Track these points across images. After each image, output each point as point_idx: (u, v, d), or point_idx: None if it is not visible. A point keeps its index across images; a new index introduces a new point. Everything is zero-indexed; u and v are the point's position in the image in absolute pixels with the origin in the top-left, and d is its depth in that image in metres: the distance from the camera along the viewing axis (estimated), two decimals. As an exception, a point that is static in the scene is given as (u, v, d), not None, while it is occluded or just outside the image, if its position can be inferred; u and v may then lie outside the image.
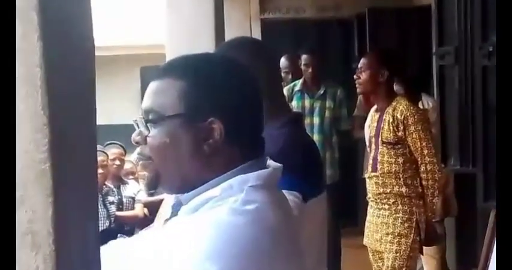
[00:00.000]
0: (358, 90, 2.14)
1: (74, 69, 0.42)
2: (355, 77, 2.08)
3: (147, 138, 0.61)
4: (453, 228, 2.87)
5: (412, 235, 1.94)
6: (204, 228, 0.53)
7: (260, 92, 0.67)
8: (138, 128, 0.62)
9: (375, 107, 2.17)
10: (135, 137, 0.63)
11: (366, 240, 2.08)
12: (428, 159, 1.92)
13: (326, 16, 4.16)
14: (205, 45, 2.08)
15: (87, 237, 0.40)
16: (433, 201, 1.97)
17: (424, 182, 1.95)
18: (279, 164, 0.64)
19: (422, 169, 1.94)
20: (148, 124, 0.61)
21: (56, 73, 0.37)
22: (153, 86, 0.62)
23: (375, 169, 2.02)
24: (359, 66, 2.05)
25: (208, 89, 0.61)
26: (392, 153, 1.97)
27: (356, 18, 3.76)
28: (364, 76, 2.01)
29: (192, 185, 0.61)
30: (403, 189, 1.94)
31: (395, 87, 2.12)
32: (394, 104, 1.98)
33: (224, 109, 0.60)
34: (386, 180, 1.97)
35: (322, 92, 3.08)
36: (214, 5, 2.20)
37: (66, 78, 0.39)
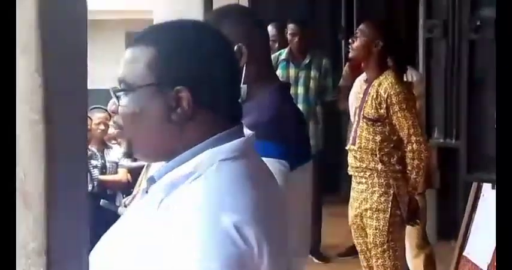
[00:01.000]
0: (350, 55, 2.11)
1: (67, 32, 0.42)
2: (349, 41, 2.05)
3: (119, 108, 0.60)
4: (434, 200, 2.96)
5: (389, 209, 1.92)
6: (195, 201, 0.54)
7: (236, 58, 0.67)
8: (115, 97, 0.61)
9: (364, 76, 2.15)
10: (110, 106, 0.67)
11: (349, 220, 2.08)
12: (415, 139, 1.90)
13: None
14: (194, 11, 2.05)
15: (77, 199, 0.41)
16: (417, 180, 1.96)
17: (409, 161, 1.93)
18: (251, 132, 0.64)
19: (408, 148, 1.92)
20: (119, 93, 0.60)
21: (50, 35, 0.38)
22: (126, 54, 0.61)
23: (353, 142, 2.01)
24: (355, 31, 2.03)
25: (177, 57, 0.60)
26: (371, 129, 1.95)
27: None
28: (358, 43, 1.97)
29: (165, 155, 0.61)
30: (379, 166, 1.93)
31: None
32: (381, 78, 1.95)
33: (193, 77, 0.59)
34: (363, 155, 1.96)
35: (307, 61, 3.07)
36: None
37: (59, 40, 0.40)
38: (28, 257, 0.36)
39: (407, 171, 1.95)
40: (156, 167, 0.69)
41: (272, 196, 0.64)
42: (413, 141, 1.91)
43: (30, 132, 0.37)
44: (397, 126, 1.93)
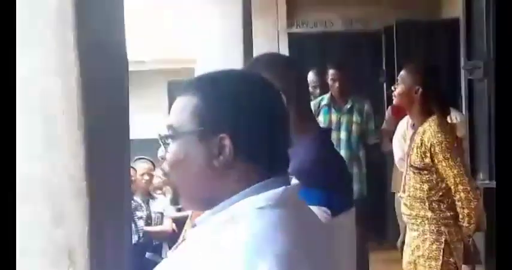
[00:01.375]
0: (394, 102, 2.13)
1: (108, 88, 0.45)
2: (392, 88, 2.06)
3: (166, 154, 0.62)
4: (483, 243, 2.78)
5: (441, 257, 1.86)
6: (235, 243, 0.55)
7: (284, 107, 0.67)
8: (163, 144, 0.64)
9: (410, 121, 2.14)
10: (160, 152, 0.69)
11: (403, 267, 2.03)
12: (462, 187, 1.85)
13: (354, 29, 4.18)
14: (234, 59, 2.18)
15: (122, 253, 0.42)
16: (470, 228, 1.89)
17: (459, 209, 1.88)
18: (297, 181, 0.64)
19: (457, 197, 1.87)
20: (167, 140, 0.62)
21: (92, 91, 0.40)
22: (176, 102, 0.64)
23: (404, 190, 1.99)
24: (397, 78, 2.04)
25: (220, 105, 0.61)
26: (418, 178, 1.92)
27: (384, 32, 3.78)
28: (399, 89, 1.98)
29: (207, 202, 0.61)
30: (429, 214, 1.89)
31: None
32: (425, 125, 1.92)
33: (236, 125, 0.59)
34: (413, 203, 1.93)
35: (349, 106, 3.10)
36: (243, 20, 2.27)
37: (102, 96, 0.41)
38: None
39: (460, 220, 1.89)
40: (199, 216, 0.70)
41: (314, 243, 0.63)
42: (460, 190, 1.86)
43: (72, 188, 0.37)
44: (444, 175, 1.89)
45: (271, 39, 3.94)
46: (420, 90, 1.91)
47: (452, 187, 1.88)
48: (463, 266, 2.03)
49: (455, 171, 1.85)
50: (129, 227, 0.52)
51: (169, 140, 0.62)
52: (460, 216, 1.88)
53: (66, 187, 0.37)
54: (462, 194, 1.85)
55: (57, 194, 0.38)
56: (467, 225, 1.88)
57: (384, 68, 3.71)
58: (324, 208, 0.87)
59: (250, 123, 0.60)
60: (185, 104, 0.62)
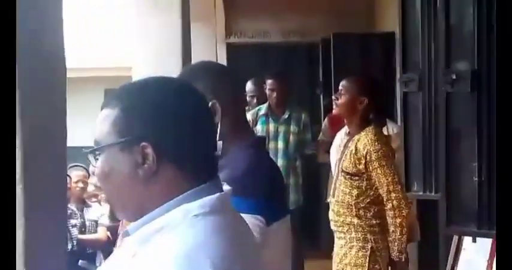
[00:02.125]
0: (334, 111, 2.14)
1: (46, 92, 0.44)
2: (333, 97, 2.07)
3: (95, 169, 0.64)
4: (415, 254, 2.90)
5: (367, 264, 1.90)
6: (168, 252, 0.56)
7: (209, 114, 0.69)
8: (94, 158, 0.65)
9: (346, 129, 2.17)
10: (91, 167, 0.62)
11: None
12: (395, 195, 1.89)
13: (292, 41, 4.25)
14: (172, 68, 2.13)
15: (56, 258, 0.44)
16: (402, 240, 1.92)
17: (390, 219, 1.91)
18: (229, 187, 0.66)
19: (388, 206, 1.90)
20: (93, 155, 0.64)
21: (29, 96, 0.41)
22: (99, 115, 0.64)
23: (333, 195, 2.02)
24: (339, 88, 2.04)
25: (139, 114, 0.62)
26: (348, 183, 1.95)
27: (321, 43, 3.86)
28: (342, 100, 1.99)
29: (138, 212, 0.63)
30: (355, 221, 1.93)
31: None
32: (362, 133, 1.96)
33: (158, 133, 0.61)
34: (340, 209, 1.97)
35: (286, 116, 3.14)
36: (181, 29, 2.26)
37: (38, 101, 0.42)
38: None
39: (391, 232, 1.92)
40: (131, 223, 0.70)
41: (248, 251, 0.66)
42: (393, 198, 1.90)
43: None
44: (377, 183, 1.92)
45: (210, 49, 3.89)
46: (366, 101, 1.95)
47: (384, 195, 1.92)
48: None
49: (389, 179, 1.89)
50: (63, 235, 0.55)
51: (97, 155, 0.63)
52: (392, 227, 1.91)
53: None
54: (395, 202, 1.88)
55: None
56: (399, 236, 1.91)
57: (320, 79, 3.79)
58: (258, 217, 0.89)
59: (170, 131, 0.62)
60: (106, 116, 0.63)
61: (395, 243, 1.91)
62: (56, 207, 0.43)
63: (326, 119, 3.31)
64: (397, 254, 1.92)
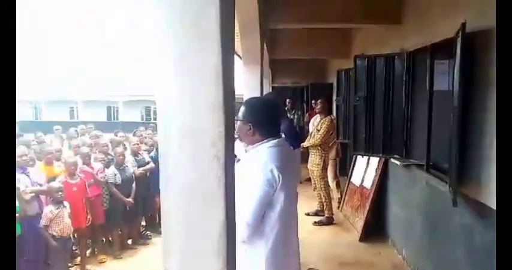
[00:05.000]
0: (316, 109, 6.47)
1: None
2: (313, 104, 6.70)
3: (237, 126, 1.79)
4: (338, 162, 7.28)
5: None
6: (259, 161, 1.70)
7: (278, 112, 1.85)
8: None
9: (318, 117, 6.69)
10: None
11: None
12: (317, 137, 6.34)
13: (295, 85, 9.78)
14: (257, 93, 6.37)
15: None
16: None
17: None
18: (283, 137, 1.86)
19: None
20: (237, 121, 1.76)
21: None
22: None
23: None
24: (317, 102, 6.34)
25: (250, 111, 1.76)
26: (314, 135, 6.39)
27: (306, 87, 9.11)
28: (319, 106, 6.11)
29: (251, 144, 1.79)
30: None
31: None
32: (327, 118, 6.27)
33: (256, 119, 1.75)
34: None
35: (294, 112, 8.15)
36: (260, 77, 6.09)
37: None
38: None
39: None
40: (245, 148, 1.86)
41: (290, 159, 1.80)
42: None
43: None
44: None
45: (267, 89, 8.56)
46: (326, 105, 6.32)
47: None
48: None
49: (320, 132, 6.19)
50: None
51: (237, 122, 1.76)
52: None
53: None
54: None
55: None
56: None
57: (305, 100, 8.79)
58: (291, 147, 2.12)
59: (263, 118, 1.78)
60: (241, 109, 1.77)
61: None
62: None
63: (307, 114, 8.13)
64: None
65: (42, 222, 3.92)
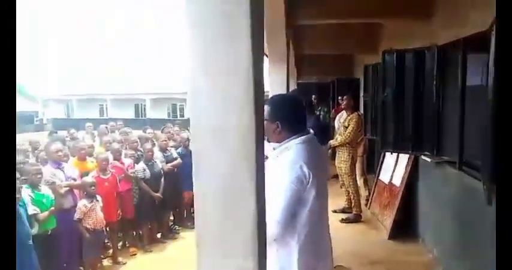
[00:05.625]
0: (342, 105, 6.38)
1: None
2: (339, 101, 6.58)
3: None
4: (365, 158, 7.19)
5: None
6: (288, 158, 1.70)
7: (303, 109, 1.85)
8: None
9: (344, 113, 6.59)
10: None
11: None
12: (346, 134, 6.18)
13: (321, 81, 9.77)
14: (283, 90, 6.36)
15: None
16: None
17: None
18: (312, 133, 1.82)
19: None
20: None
21: None
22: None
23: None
24: (343, 97, 6.24)
25: (275, 109, 1.76)
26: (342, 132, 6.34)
27: (332, 82, 8.86)
28: (345, 101, 6.01)
29: (278, 142, 1.80)
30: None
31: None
32: (354, 114, 6.09)
33: (283, 117, 1.76)
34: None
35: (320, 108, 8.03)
36: (286, 75, 6.22)
37: None
38: None
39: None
40: (273, 146, 1.81)
41: (319, 156, 1.80)
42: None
43: None
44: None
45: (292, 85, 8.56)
46: (353, 101, 6.23)
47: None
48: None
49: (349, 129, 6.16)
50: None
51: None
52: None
53: None
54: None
55: None
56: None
57: (330, 95, 8.63)
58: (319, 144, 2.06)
59: (290, 115, 1.79)
60: (265, 108, 1.71)
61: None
62: None
63: (333, 110, 8.01)
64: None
65: (76, 215, 4.08)
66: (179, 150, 5.96)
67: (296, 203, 1.61)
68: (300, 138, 1.74)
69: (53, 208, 3.78)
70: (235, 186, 1.05)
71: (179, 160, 5.73)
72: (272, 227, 1.54)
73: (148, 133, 6.85)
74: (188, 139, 6.13)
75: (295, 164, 1.62)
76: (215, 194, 1.07)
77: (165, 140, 5.89)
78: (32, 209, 3.59)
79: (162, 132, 7.10)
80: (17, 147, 5.60)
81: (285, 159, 1.67)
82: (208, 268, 1.10)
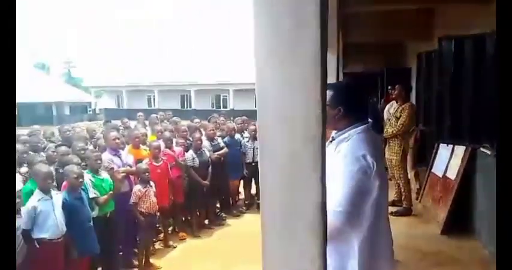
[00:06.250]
0: (393, 95, 6.10)
1: None
2: (390, 90, 6.38)
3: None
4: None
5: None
6: (349, 148, 1.62)
7: (366, 97, 2.21)
8: None
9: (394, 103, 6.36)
10: None
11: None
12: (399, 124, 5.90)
13: (368, 71, 9.38)
14: (333, 80, 6.24)
15: None
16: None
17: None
18: (370, 122, 1.70)
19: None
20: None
21: None
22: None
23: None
24: (394, 87, 5.95)
25: (338, 94, 1.68)
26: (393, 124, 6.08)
27: (380, 72, 8.64)
28: (397, 91, 5.79)
29: (336, 129, 1.72)
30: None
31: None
32: (407, 104, 5.79)
33: (345, 103, 1.67)
34: None
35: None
36: (336, 64, 5.88)
37: None
38: None
39: None
40: (332, 134, 1.76)
41: (378, 145, 2.02)
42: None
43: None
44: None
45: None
46: (404, 91, 5.91)
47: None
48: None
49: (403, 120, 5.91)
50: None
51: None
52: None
53: None
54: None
55: None
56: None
57: (379, 86, 8.26)
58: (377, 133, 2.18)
59: (351, 101, 1.71)
60: (328, 93, 1.42)
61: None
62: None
63: (383, 100, 7.76)
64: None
65: (132, 199, 4.30)
66: (225, 139, 6.08)
67: (360, 194, 1.55)
68: (360, 127, 1.69)
69: (111, 192, 4.01)
70: (300, 171, 1.07)
71: (226, 149, 5.85)
72: (334, 218, 1.50)
73: (196, 123, 7.03)
74: (234, 129, 6.25)
75: (357, 154, 1.57)
76: (279, 178, 1.09)
77: (213, 130, 6.02)
78: (92, 193, 3.83)
79: (209, 121, 7.26)
80: (77, 134, 5.98)
81: (347, 149, 1.62)
82: (273, 250, 1.13)
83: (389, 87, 6.44)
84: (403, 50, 8.67)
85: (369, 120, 1.78)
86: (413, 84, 7.29)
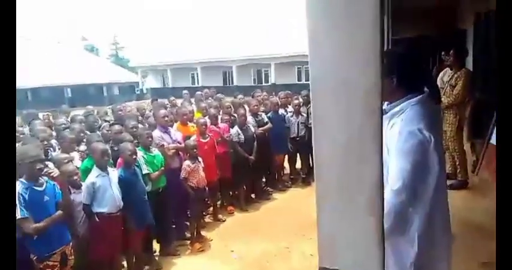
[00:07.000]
0: (446, 62, 5.62)
1: None
2: (443, 57, 5.73)
3: None
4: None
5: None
6: (404, 121, 1.52)
7: (424, 65, 1.80)
8: None
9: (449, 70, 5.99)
10: None
11: None
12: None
13: (420, 34, 8.46)
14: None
15: None
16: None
17: None
18: (427, 92, 1.61)
19: None
20: None
21: None
22: None
23: None
24: (450, 54, 5.55)
25: (393, 62, 1.55)
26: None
27: (431, 36, 7.74)
28: (452, 57, 5.38)
29: (388, 101, 1.62)
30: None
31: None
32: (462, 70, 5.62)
33: (400, 71, 1.54)
34: None
35: None
36: (387, 30, 6.06)
37: None
38: None
39: None
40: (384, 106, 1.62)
41: (436, 116, 1.61)
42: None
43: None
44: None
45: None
46: (460, 57, 5.32)
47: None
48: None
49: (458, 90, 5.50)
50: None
51: None
52: None
53: None
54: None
55: None
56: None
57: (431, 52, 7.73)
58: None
59: (405, 70, 1.57)
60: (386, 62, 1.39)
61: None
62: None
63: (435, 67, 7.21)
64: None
65: (182, 174, 4.45)
66: (269, 114, 6.06)
67: (419, 170, 1.45)
68: (415, 98, 1.56)
69: (162, 168, 4.17)
70: (358, 143, 1.02)
71: (270, 125, 5.84)
72: (391, 198, 1.41)
73: (239, 99, 7.05)
74: (278, 104, 6.20)
75: (413, 128, 1.45)
76: (336, 150, 1.05)
77: (256, 105, 6.02)
78: (145, 169, 4.00)
79: (252, 97, 7.25)
80: (129, 113, 6.22)
81: (401, 126, 1.51)
82: (329, 223, 1.10)
83: (442, 53, 6.00)
84: (457, 10, 7.99)
85: (425, 89, 1.65)
86: (469, 48, 6.74)
